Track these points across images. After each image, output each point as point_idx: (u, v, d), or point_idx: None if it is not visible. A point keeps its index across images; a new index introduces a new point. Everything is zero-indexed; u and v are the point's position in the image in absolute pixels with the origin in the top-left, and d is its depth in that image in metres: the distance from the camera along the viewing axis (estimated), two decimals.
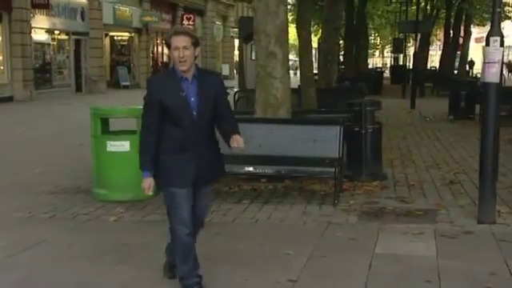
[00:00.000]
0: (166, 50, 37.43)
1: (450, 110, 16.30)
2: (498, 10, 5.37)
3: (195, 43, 3.69)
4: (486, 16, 42.77)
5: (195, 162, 3.69)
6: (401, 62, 41.65)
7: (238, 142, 3.71)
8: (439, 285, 4.08)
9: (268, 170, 6.63)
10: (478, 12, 41.45)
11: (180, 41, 3.61)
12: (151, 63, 34.32)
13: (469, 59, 48.73)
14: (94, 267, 4.40)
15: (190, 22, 36.57)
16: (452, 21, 33.85)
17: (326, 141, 6.83)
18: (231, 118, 3.88)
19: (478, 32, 61.29)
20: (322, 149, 6.77)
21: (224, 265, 4.47)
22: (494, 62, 5.36)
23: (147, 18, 31.25)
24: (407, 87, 26.28)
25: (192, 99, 3.66)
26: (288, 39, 7.93)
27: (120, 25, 29.29)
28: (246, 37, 17.48)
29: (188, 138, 3.66)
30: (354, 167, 7.71)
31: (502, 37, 5.37)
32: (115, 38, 31.31)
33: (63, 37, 24.41)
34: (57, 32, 23.81)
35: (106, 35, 29.98)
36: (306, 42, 12.24)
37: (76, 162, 8.74)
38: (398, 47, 38.71)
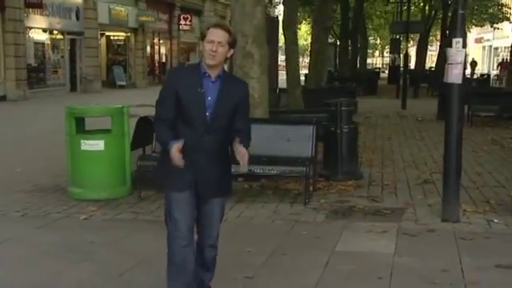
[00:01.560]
0: (163, 50, 37.67)
1: (438, 111, 16.38)
2: (462, 12, 5.47)
3: (232, 43, 3.39)
4: (485, 16, 42.97)
5: (198, 166, 3.35)
6: (399, 63, 41.79)
7: (242, 157, 3.33)
8: (390, 281, 4.17)
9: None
10: (476, 13, 41.58)
11: (217, 34, 3.32)
12: (151, 63, 34.44)
13: (470, 60, 48.87)
14: (56, 265, 4.49)
15: (187, 22, 36.67)
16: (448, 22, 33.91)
17: (300, 140, 6.93)
18: (245, 132, 3.49)
19: (477, 32, 61.43)
20: (295, 148, 6.87)
21: None
22: (457, 63, 5.46)
23: (143, 18, 31.32)
24: (393, 87, 26.43)
25: (209, 98, 3.35)
26: (265, 40, 8.02)
27: (116, 24, 29.37)
28: None
29: (196, 139, 3.33)
30: (330, 167, 7.81)
31: (465, 38, 5.47)
32: (111, 37, 31.39)
33: (58, 36, 24.50)
34: (51, 31, 23.89)
35: (102, 35, 30.05)
36: (292, 43, 12.35)
37: (59, 161, 8.82)
38: (396, 47, 38.72)
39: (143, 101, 11.46)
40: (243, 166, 3.34)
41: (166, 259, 4.58)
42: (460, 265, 4.47)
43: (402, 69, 25.79)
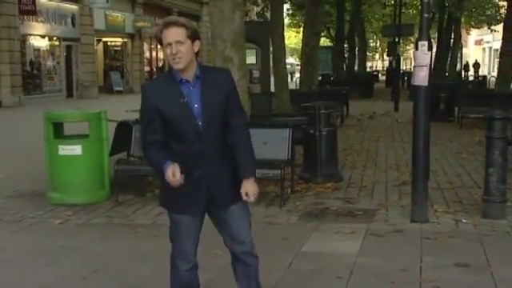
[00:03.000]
0: (160, 55, 37.83)
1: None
2: (426, 15, 5.54)
3: (192, 35, 2.97)
4: (482, 18, 43.06)
5: (207, 183, 3.06)
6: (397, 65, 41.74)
7: (249, 193, 3.11)
8: (348, 280, 4.24)
9: None
10: (474, 15, 41.68)
11: (172, 34, 2.92)
12: (148, 68, 34.59)
13: (473, 61, 48.89)
14: (21, 269, 4.57)
15: None
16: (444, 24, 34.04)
17: (276, 144, 7.01)
18: (244, 139, 3.16)
19: (477, 34, 61.48)
20: (272, 151, 6.94)
21: (150, 264, 4.64)
22: (423, 66, 5.53)
23: (140, 24, 31.52)
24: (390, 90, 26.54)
25: (195, 106, 2.99)
26: (244, 44, 8.11)
27: (112, 30, 29.56)
28: None
29: (195, 155, 3.00)
30: (309, 169, 7.89)
31: (430, 41, 5.55)
32: (108, 43, 31.59)
33: (53, 43, 24.67)
34: (47, 38, 24.08)
35: (100, 41, 30.26)
36: (279, 46, 12.45)
37: (42, 167, 8.90)
38: (393, 50, 38.81)
39: (138, 106, 11.62)
40: (251, 201, 3.15)
41: (130, 261, 4.71)
42: (420, 264, 4.54)
43: (401, 71, 25.94)
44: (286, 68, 12.91)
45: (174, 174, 2.93)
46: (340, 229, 5.55)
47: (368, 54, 62.28)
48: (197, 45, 3.02)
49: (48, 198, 6.74)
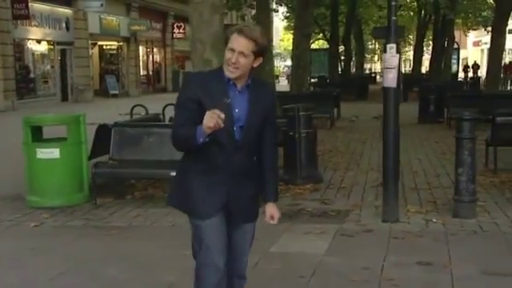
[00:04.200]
0: (156, 59, 37.91)
1: (419, 115, 16.55)
2: (394, 18, 5.61)
3: (258, 52, 2.88)
4: (479, 20, 43.12)
5: (228, 188, 2.95)
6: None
7: (274, 217, 3.11)
8: (309, 280, 4.32)
9: None
10: (471, 16, 41.74)
11: (239, 43, 2.83)
12: (145, 72, 34.68)
13: (472, 63, 48.94)
14: None
15: (181, 31, 36.91)
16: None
17: None
18: (272, 158, 3.11)
19: (475, 35, 61.59)
20: None
21: (118, 265, 4.71)
22: (392, 68, 5.61)
23: (135, 27, 31.59)
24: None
25: (236, 110, 2.90)
26: (224, 47, 8.18)
27: (107, 34, 29.65)
28: None
29: (222, 157, 2.90)
30: (289, 171, 7.96)
31: (398, 44, 5.62)
32: (104, 47, 31.69)
33: (48, 47, 24.74)
34: (41, 42, 24.15)
35: (95, 44, 30.35)
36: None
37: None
38: None
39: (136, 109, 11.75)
40: (275, 221, 3.12)
41: (99, 263, 4.78)
42: (383, 262, 4.61)
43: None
44: (273, 70, 12.98)
45: (215, 117, 2.70)
46: (311, 229, 5.62)
47: (366, 55, 62.41)
48: (258, 61, 2.92)
49: (27, 201, 6.80)
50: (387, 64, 5.59)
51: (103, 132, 7.34)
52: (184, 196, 2.98)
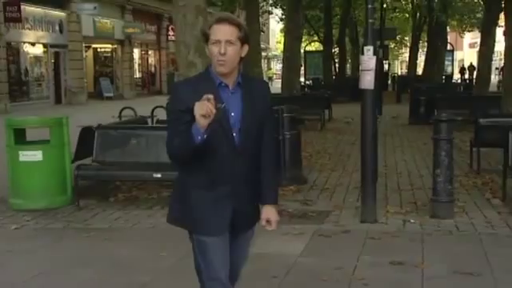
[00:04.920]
0: (151, 61, 37.99)
1: (410, 116, 16.62)
2: (371, 20, 5.67)
3: (244, 38, 2.67)
4: (474, 22, 43.26)
5: (233, 200, 2.74)
6: (396, 69, 42.08)
7: (271, 221, 2.93)
8: (282, 280, 4.36)
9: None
10: (466, 18, 41.86)
11: (223, 31, 2.62)
12: (140, 75, 34.73)
13: (468, 64, 49.01)
14: None
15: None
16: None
17: None
18: (272, 159, 2.90)
19: (471, 37, 61.72)
20: None
21: (93, 267, 4.74)
22: (369, 70, 5.66)
23: (130, 30, 31.61)
24: (384, 94, 26.80)
25: (232, 114, 2.68)
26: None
27: (101, 37, 29.68)
28: None
29: (224, 168, 2.69)
30: None
31: (375, 46, 5.67)
32: (98, 49, 31.72)
33: (41, 49, 24.76)
34: (34, 45, 24.16)
35: (89, 47, 30.38)
36: (256, 52, 12.59)
37: None
38: (383, 54, 39.08)
39: (126, 112, 11.82)
40: (272, 229, 2.95)
41: (74, 265, 4.82)
42: (356, 262, 4.66)
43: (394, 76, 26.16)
44: (262, 72, 13.05)
45: (208, 104, 2.50)
46: (290, 230, 5.66)
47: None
48: (245, 50, 2.71)
49: (10, 203, 6.83)
50: (364, 66, 5.64)
51: (87, 134, 7.37)
52: (186, 212, 2.76)
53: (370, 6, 5.61)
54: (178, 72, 8.23)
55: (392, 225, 5.74)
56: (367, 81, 5.66)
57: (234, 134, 2.69)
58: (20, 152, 6.69)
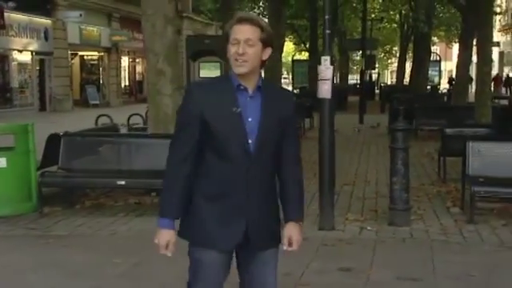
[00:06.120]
0: (139, 69, 38.04)
1: (389, 125, 16.74)
2: (328, 31, 5.76)
3: (266, 40, 2.54)
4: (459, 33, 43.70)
5: (246, 212, 2.55)
6: (385, 79, 42.33)
7: (293, 240, 2.71)
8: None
9: (139, 183, 6.94)
10: (453, 29, 42.28)
11: (243, 31, 2.50)
12: (127, 83, 34.79)
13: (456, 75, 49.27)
14: None
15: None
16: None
17: None
18: (296, 172, 2.71)
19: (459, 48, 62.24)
20: None
21: (43, 273, 4.77)
22: (326, 80, 5.75)
23: (116, 38, 31.67)
24: (369, 103, 27.07)
25: (250, 119, 2.51)
26: (178, 58, 8.33)
27: (87, 44, 29.69)
28: (192, 55, 17.98)
29: (237, 178, 2.51)
30: None
31: (332, 56, 5.77)
32: (85, 57, 31.76)
33: (26, 56, 24.76)
34: (18, 52, 24.16)
35: (76, 54, 30.41)
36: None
37: None
38: (370, 64, 39.41)
39: (115, 119, 11.91)
40: (293, 249, 2.73)
41: (25, 272, 4.85)
42: (305, 269, 4.72)
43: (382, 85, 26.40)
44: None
45: (167, 245, 2.58)
46: None
47: (353, 67, 62.82)
48: (267, 53, 2.56)
49: None
50: (322, 76, 5.73)
51: (54, 142, 7.41)
52: (193, 225, 2.56)
53: (326, 17, 5.71)
54: (148, 80, 8.27)
55: (348, 232, 5.82)
56: (325, 90, 5.75)
57: (250, 141, 2.51)
58: None
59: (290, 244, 2.70)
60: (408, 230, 5.81)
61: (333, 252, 5.19)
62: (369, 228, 5.94)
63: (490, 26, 12.70)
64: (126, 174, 6.96)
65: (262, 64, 2.57)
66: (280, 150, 2.60)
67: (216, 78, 2.82)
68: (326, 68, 5.71)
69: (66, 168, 7.14)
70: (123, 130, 9.78)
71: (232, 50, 2.50)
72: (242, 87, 2.53)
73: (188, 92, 2.63)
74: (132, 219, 6.57)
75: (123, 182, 6.81)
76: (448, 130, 8.73)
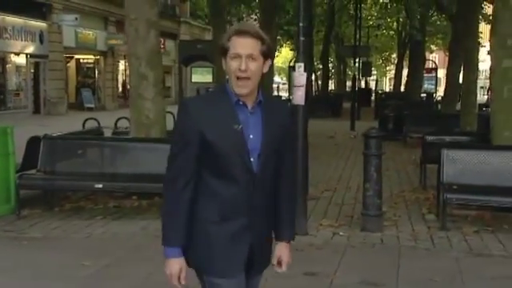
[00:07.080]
0: None
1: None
2: (302, 38, 5.81)
3: (266, 52, 2.36)
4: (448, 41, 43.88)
5: (251, 235, 2.42)
6: (384, 86, 42.49)
7: (283, 261, 2.63)
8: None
9: (116, 187, 6.98)
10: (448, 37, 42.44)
11: (244, 45, 2.31)
12: (123, 86, 34.84)
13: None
14: None
15: (161, 45, 37.05)
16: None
17: None
18: (291, 189, 2.59)
19: None
20: None
21: (10, 275, 4.81)
22: (300, 86, 5.80)
23: (112, 41, 31.74)
24: (364, 110, 27.25)
25: (251, 136, 2.36)
26: (161, 62, 8.40)
27: (83, 48, 29.79)
28: (185, 60, 18.06)
29: (240, 199, 2.37)
30: None
31: (306, 63, 5.82)
32: (81, 60, 31.84)
33: (20, 59, 24.82)
34: (13, 54, 24.22)
35: (72, 58, 30.49)
36: (221, 68, 12.73)
37: None
38: (366, 70, 39.53)
39: (108, 123, 11.96)
40: (284, 269, 2.64)
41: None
42: (271, 273, 4.74)
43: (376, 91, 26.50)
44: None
45: (179, 276, 2.41)
46: None
47: (351, 74, 63.02)
48: (267, 65, 2.40)
49: None
50: (296, 82, 5.79)
51: (34, 144, 7.44)
52: (196, 250, 2.41)
53: (301, 25, 5.77)
54: (130, 84, 8.32)
55: (320, 237, 5.86)
56: (298, 96, 5.81)
57: (252, 160, 2.36)
58: None
59: (278, 264, 2.62)
60: (379, 236, 5.85)
61: (301, 257, 5.19)
62: (341, 233, 5.99)
63: (477, 35, 12.77)
64: (106, 177, 7.01)
65: (262, 77, 2.42)
66: (279, 164, 2.49)
67: (212, 92, 2.67)
68: (299, 74, 5.76)
69: (44, 170, 7.18)
70: (108, 134, 9.84)
71: (233, 65, 2.31)
72: (240, 102, 2.37)
73: (183, 108, 2.40)
74: (109, 222, 6.61)
75: (101, 186, 6.85)
76: (428, 138, 8.79)
